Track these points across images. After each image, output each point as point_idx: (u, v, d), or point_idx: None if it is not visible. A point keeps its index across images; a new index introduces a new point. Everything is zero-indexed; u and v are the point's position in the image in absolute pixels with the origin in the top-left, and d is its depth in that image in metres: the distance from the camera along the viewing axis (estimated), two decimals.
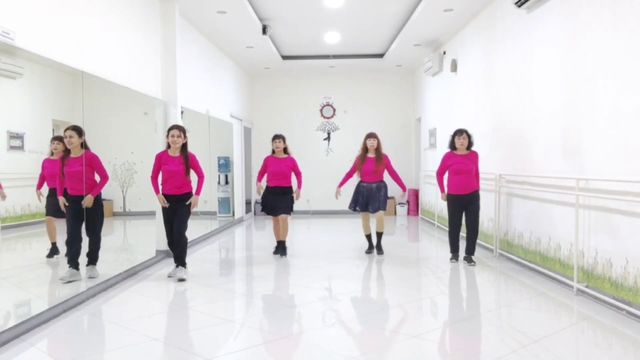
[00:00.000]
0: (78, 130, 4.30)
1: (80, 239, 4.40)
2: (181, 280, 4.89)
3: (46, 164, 4.24)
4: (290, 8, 7.16)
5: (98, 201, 4.51)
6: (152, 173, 4.97)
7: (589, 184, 4.21)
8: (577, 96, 4.42)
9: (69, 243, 4.34)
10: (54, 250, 4.39)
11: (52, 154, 4.30)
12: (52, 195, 4.28)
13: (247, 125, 10.86)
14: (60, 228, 4.36)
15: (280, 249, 6.24)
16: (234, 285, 4.91)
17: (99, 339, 3.36)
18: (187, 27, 7.16)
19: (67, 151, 4.30)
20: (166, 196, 4.91)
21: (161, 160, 4.93)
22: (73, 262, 4.34)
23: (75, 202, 4.36)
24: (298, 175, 6.22)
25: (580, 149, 4.36)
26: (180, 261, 5.00)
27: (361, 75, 11.37)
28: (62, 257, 4.38)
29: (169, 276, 5.07)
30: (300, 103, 11.49)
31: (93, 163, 4.44)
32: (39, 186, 4.18)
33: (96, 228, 4.54)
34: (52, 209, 4.28)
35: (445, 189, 5.72)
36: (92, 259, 4.56)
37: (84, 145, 4.37)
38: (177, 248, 4.98)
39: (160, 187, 4.96)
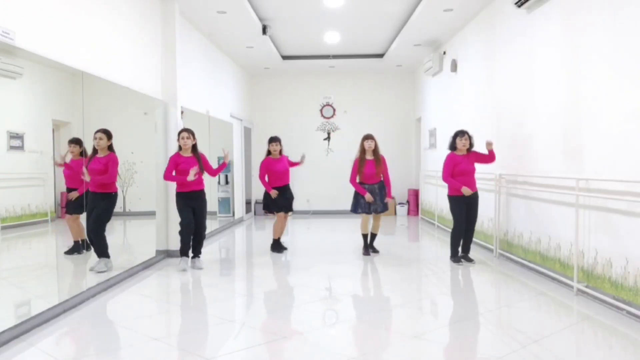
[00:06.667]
0: (108, 134, 4.81)
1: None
2: (199, 268, 5.45)
3: (66, 165, 4.54)
4: (290, 8, 7.16)
5: (104, 197, 4.76)
6: (166, 172, 5.30)
7: (589, 184, 4.21)
8: (578, 96, 4.42)
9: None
10: (75, 248, 4.60)
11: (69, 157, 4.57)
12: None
13: (247, 125, 10.86)
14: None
15: (279, 246, 6.57)
16: (234, 285, 4.91)
17: (99, 339, 3.36)
18: (187, 27, 7.16)
19: (94, 151, 4.73)
20: (185, 194, 5.32)
21: (175, 161, 5.31)
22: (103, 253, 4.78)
23: (93, 198, 4.67)
24: (294, 164, 6.69)
25: (581, 149, 4.36)
26: (197, 252, 5.61)
27: (361, 75, 11.36)
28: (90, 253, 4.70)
29: (183, 270, 5.35)
30: (300, 103, 11.48)
31: (109, 162, 4.79)
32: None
33: (101, 221, 4.75)
34: (73, 207, 4.58)
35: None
36: (99, 252, 4.80)
37: (111, 147, 4.84)
38: (197, 239, 5.56)
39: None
